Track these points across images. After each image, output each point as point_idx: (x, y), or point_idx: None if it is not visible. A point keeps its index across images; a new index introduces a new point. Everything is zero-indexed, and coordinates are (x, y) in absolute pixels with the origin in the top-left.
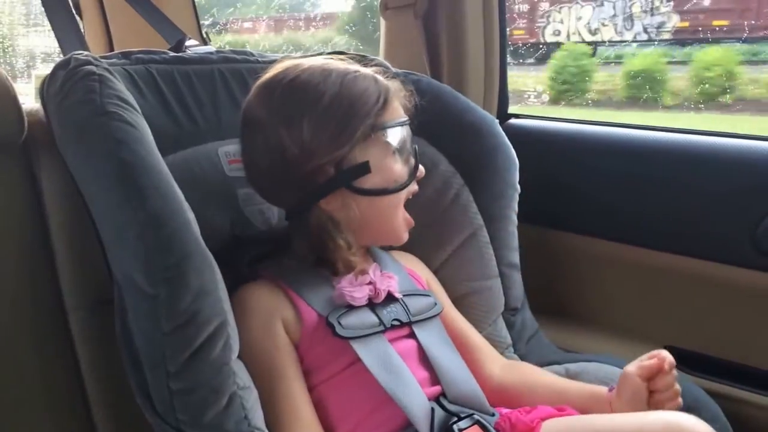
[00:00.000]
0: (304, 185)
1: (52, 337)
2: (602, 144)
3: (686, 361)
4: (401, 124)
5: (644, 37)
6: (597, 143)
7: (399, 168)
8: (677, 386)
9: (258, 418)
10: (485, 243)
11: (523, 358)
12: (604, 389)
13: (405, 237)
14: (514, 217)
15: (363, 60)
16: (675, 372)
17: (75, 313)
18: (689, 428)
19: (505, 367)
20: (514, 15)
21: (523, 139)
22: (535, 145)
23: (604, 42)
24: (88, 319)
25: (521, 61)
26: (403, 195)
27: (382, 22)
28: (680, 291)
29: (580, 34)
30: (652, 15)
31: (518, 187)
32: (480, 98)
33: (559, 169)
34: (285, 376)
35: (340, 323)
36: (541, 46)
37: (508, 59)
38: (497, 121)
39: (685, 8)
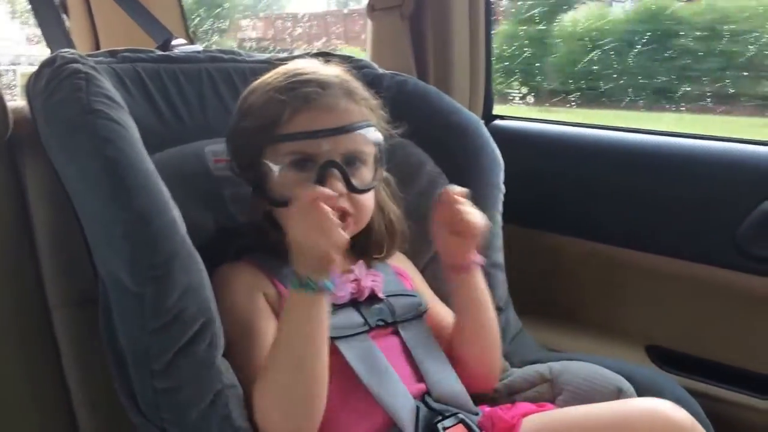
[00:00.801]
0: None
1: (35, 336)
2: (586, 146)
3: (668, 360)
4: (304, 138)
5: None
6: (581, 145)
7: (295, 181)
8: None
9: (242, 416)
10: None
11: (506, 356)
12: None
13: (345, 241)
14: (499, 218)
15: (349, 60)
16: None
17: (58, 311)
18: (666, 412)
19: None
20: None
21: (508, 140)
22: (519, 146)
23: None
24: (72, 317)
25: None
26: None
27: (369, 23)
28: (662, 291)
29: None
30: None
31: (503, 187)
32: (465, 99)
33: (543, 170)
34: (266, 334)
35: None
36: None
37: None
38: (482, 122)
39: None
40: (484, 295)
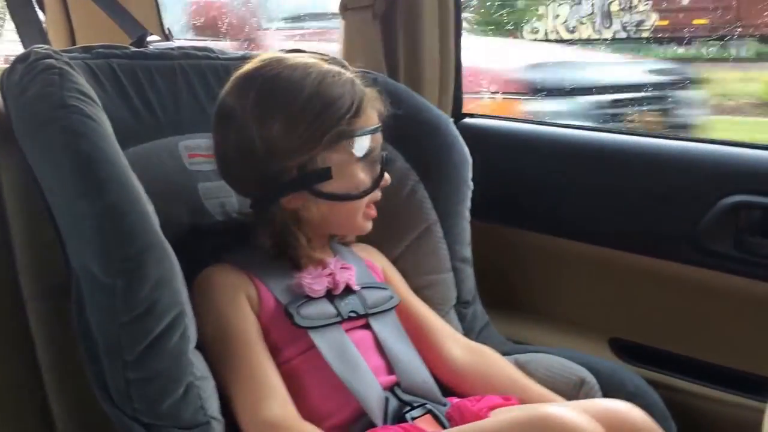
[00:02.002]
0: (268, 182)
1: (8, 326)
2: (552, 144)
3: (629, 352)
4: (371, 132)
5: (623, 35)
6: (547, 143)
7: (362, 176)
8: None
9: (214, 407)
10: (439, 238)
11: None
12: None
13: (366, 230)
14: (467, 213)
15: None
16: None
17: (32, 303)
18: (625, 413)
19: (466, 349)
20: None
21: (477, 137)
22: (488, 144)
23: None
24: (46, 309)
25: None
26: (364, 201)
27: (342, 22)
28: (625, 285)
29: (558, 33)
30: (631, 13)
31: (471, 184)
32: (435, 98)
33: (510, 167)
34: (251, 342)
35: (299, 313)
36: None
37: None
38: (452, 120)
39: (664, 6)
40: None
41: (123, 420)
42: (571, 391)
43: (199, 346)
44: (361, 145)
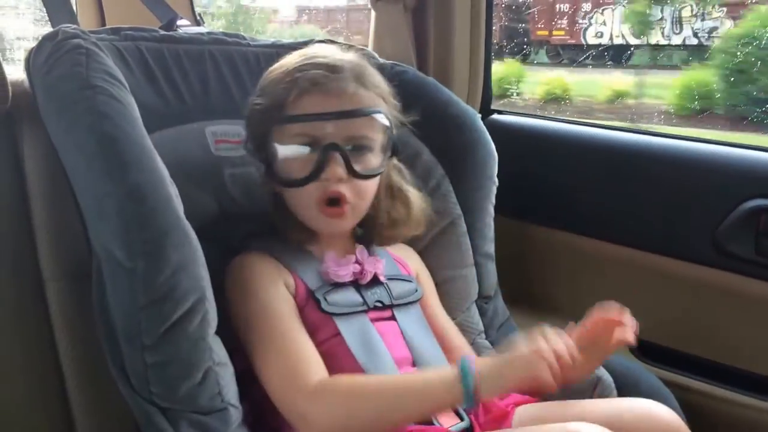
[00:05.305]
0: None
1: (28, 307)
2: (578, 142)
3: (647, 352)
4: (310, 120)
5: (694, 41)
6: (573, 141)
7: (299, 163)
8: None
9: (232, 394)
10: (463, 232)
11: (493, 344)
12: None
13: (324, 229)
14: (491, 209)
15: (350, 49)
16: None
17: (52, 283)
18: (657, 413)
19: None
20: (555, 15)
21: (504, 134)
22: (515, 141)
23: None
24: (65, 290)
25: (560, 61)
26: (309, 191)
27: (372, 13)
28: (645, 285)
29: (623, 37)
30: (703, 20)
31: (496, 180)
32: (464, 93)
33: (536, 165)
34: (291, 320)
35: (326, 299)
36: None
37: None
38: (479, 115)
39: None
40: None
41: (139, 403)
42: (587, 390)
43: (219, 332)
44: (297, 130)
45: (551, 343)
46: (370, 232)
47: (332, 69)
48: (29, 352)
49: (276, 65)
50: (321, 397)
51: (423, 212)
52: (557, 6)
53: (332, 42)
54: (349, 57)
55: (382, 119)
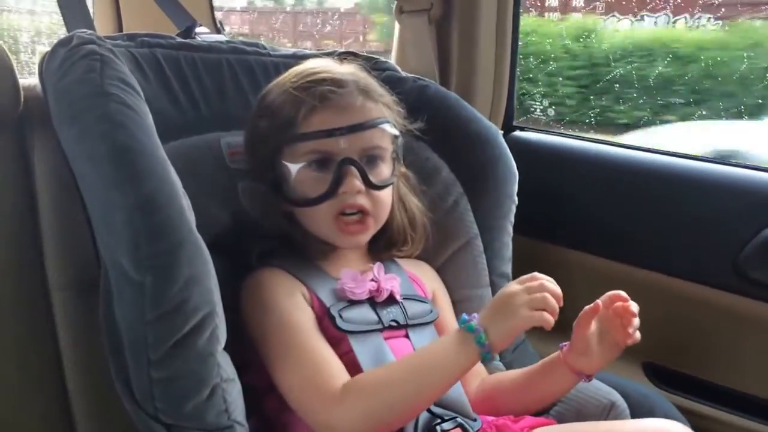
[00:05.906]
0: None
1: (33, 316)
2: (599, 162)
3: (662, 377)
4: (322, 137)
5: None
6: (595, 160)
7: (314, 180)
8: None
9: (238, 411)
10: (479, 252)
11: (508, 366)
12: (556, 353)
13: (343, 243)
14: (510, 228)
15: (373, 62)
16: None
17: (58, 293)
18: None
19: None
20: None
21: (526, 151)
22: (536, 159)
23: None
24: (72, 300)
25: None
26: (326, 208)
27: (396, 25)
28: (662, 309)
29: None
30: None
31: (516, 198)
32: (487, 108)
33: (557, 184)
34: (311, 331)
35: (341, 316)
36: None
37: None
38: (501, 132)
39: None
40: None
41: (143, 419)
42: (601, 414)
43: (226, 347)
44: (309, 147)
45: (540, 279)
46: (386, 244)
47: (338, 84)
48: (33, 359)
49: (273, 84)
50: (350, 399)
51: (424, 227)
52: None
53: (352, 54)
54: (350, 70)
55: (390, 129)
